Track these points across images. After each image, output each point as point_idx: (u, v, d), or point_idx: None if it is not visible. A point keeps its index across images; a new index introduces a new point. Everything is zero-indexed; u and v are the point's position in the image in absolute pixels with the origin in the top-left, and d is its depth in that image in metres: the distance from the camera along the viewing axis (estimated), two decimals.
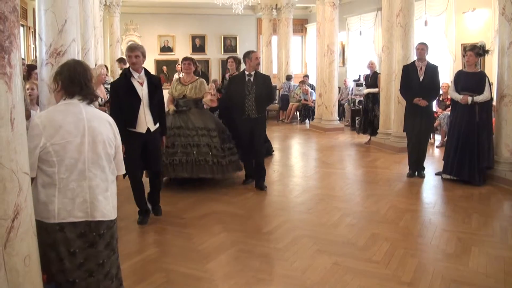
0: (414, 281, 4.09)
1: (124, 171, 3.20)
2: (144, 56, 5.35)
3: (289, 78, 16.44)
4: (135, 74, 5.33)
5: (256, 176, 7.19)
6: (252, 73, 7.01)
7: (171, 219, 5.75)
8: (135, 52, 5.26)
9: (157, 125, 5.50)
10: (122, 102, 5.30)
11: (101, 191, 2.90)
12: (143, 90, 5.34)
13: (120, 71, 8.47)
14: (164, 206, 5.99)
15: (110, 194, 2.99)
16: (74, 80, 2.88)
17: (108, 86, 9.51)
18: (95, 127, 2.90)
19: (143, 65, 5.40)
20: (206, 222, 5.64)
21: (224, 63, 18.41)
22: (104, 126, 2.97)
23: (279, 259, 4.57)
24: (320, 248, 4.80)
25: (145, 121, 5.36)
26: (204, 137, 6.91)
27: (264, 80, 7.18)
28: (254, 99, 6.97)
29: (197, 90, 7.00)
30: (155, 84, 5.48)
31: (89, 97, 2.94)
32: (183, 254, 4.68)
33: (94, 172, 2.87)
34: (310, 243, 4.93)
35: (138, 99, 5.30)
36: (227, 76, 8.76)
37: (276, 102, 17.04)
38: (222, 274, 4.26)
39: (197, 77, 7.18)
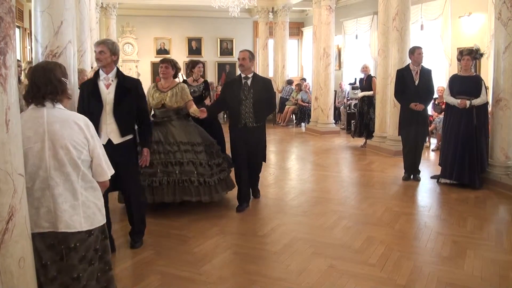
0: (409, 284, 4.09)
1: (106, 177, 2.96)
2: (113, 53, 4.52)
3: (290, 82, 16.49)
4: (102, 75, 4.58)
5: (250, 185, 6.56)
6: (250, 75, 6.15)
7: (166, 221, 5.73)
8: (100, 47, 4.52)
9: (127, 137, 4.61)
10: (85, 106, 4.46)
11: (66, 200, 2.73)
12: (108, 94, 4.51)
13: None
14: (158, 209, 5.99)
15: (82, 203, 2.79)
16: (32, 86, 2.79)
17: None
18: (56, 130, 2.72)
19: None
20: (201, 225, 5.62)
21: (220, 66, 18.49)
22: (68, 128, 2.75)
23: (275, 262, 4.57)
24: (316, 251, 4.80)
25: (106, 131, 4.50)
26: (188, 153, 5.93)
27: (264, 84, 6.32)
28: (252, 105, 6.11)
29: (178, 97, 5.95)
30: (127, 88, 4.59)
31: (50, 97, 2.77)
32: (178, 257, 4.66)
33: (57, 180, 2.71)
34: (306, 246, 4.93)
35: (99, 104, 4.49)
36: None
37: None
38: (217, 277, 4.25)
39: (178, 82, 6.20)
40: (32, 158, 2.67)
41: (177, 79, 6.30)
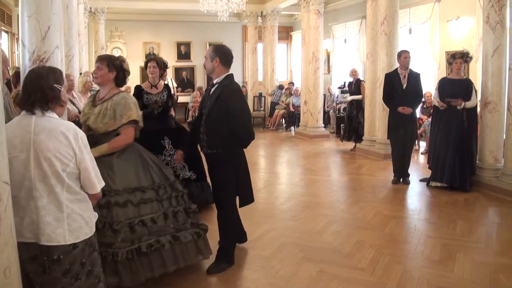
0: (399, 287, 4.09)
1: (94, 190, 2.82)
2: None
3: (281, 87, 16.50)
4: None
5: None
6: (219, 79, 4.36)
7: None
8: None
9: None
10: None
11: (49, 213, 2.62)
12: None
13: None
14: None
15: (67, 216, 2.68)
16: (24, 92, 2.72)
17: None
18: (41, 141, 2.61)
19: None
20: None
21: None
22: (54, 139, 2.63)
23: (265, 267, 4.54)
24: (306, 256, 4.78)
25: None
26: (144, 205, 3.94)
27: (221, 93, 4.29)
28: (204, 122, 4.43)
29: (107, 118, 4.00)
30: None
31: (39, 104, 2.67)
32: None
33: (41, 191, 2.62)
34: (296, 251, 4.91)
35: None
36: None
37: (262, 109, 17.11)
38: (207, 283, 4.22)
39: (119, 90, 4.23)
40: (17, 167, 2.59)
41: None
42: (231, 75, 4.41)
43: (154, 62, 5.96)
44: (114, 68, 4.16)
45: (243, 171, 4.48)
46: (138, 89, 6.03)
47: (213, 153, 4.39)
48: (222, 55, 4.34)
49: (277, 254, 4.84)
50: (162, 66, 6.01)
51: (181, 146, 4.92)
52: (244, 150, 4.52)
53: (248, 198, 4.59)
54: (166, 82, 6.43)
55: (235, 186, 4.40)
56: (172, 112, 6.26)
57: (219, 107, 4.24)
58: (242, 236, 5.00)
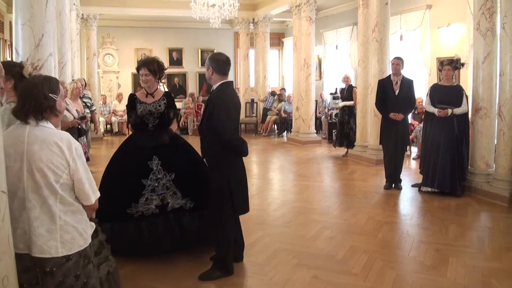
0: None
1: (89, 201, 2.76)
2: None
3: (273, 94, 16.54)
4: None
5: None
6: (213, 87, 4.45)
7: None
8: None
9: None
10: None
11: (42, 224, 2.59)
12: None
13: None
14: None
15: (60, 227, 2.63)
16: (18, 101, 2.68)
17: (87, 100, 9.46)
18: (34, 151, 2.57)
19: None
20: None
21: (201, 76, 18.47)
22: (47, 150, 2.59)
23: (258, 274, 4.54)
24: (300, 262, 4.78)
25: None
26: None
27: (209, 101, 4.41)
28: (199, 130, 4.63)
29: None
30: None
31: (33, 114, 2.63)
32: (161, 272, 4.60)
33: (34, 202, 2.58)
34: (290, 257, 4.91)
35: None
36: None
37: (254, 115, 17.14)
38: None
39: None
40: (11, 177, 2.55)
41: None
42: (226, 83, 4.37)
43: (146, 69, 4.92)
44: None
45: (237, 179, 4.42)
46: (131, 98, 5.13)
47: (207, 160, 4.44)
48: (216, 63, 4.32)
49: (270, 260, 4.84)
50: (157, 70, 4.99)
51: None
52: None
53: (242, 207, 4.50)
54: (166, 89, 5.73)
55: (228, 194, 4.34)
56: (173, 126, 5.19)
57: (208, 115, 4.28)
58: (238, 250, 4.75)
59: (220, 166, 4.31)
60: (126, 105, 5.19)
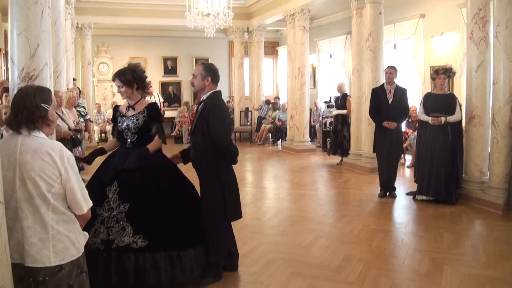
0: None
1: (81, 211, 2.75)
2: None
3: (268, 102, 16.58)
4: None
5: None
6: (205, 96, 4.47)
7: None
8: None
9: None
10: None
11: (34, 234, 2.58)
12: None
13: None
14: None
15: (53, 237, 2.63)
16: (11, 111, 2.69)
17: (81, 109, 9.45)
18: (27, 161, 2.58)
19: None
20: None
21: None
22: (39, 160, 2.59)
23: (254, 283, 4.52)
24: (295, 271, 4.77)
25: None
26: None
27: (204, 108, 4.40)
28: (190, 138, 4.68)
29: None
30: None
31: (25, 124, 2.64)
32: None
33: (27, 212, 2.58)
34: (285, 266, 4.91)
35: None
36: None
37: (248, 124, 17.15)
38: None
39: None
40: (5, 186, 2.54)
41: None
42: (218, 91, 4.50)
43: (118, 80, 4.34)
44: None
45: (230, 187, 4.46)
46: (114, 111, 4.68)
47: (199, 168, 4.43)
48: (214, 74, 4.44)
49: (265, 270, 4.83)
50: (133, 79, 4.36)
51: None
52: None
53: (236, 213, 4.55)
54: (151, 100, 5.22)
55: (222, 201, 4.37)
56: (154, 144, 4.36)
57: (202, 123, 4.32)
58: (233, 260, 4.72)
59: (215, 174, 4.36)
60: (111, 119, 4.80)
